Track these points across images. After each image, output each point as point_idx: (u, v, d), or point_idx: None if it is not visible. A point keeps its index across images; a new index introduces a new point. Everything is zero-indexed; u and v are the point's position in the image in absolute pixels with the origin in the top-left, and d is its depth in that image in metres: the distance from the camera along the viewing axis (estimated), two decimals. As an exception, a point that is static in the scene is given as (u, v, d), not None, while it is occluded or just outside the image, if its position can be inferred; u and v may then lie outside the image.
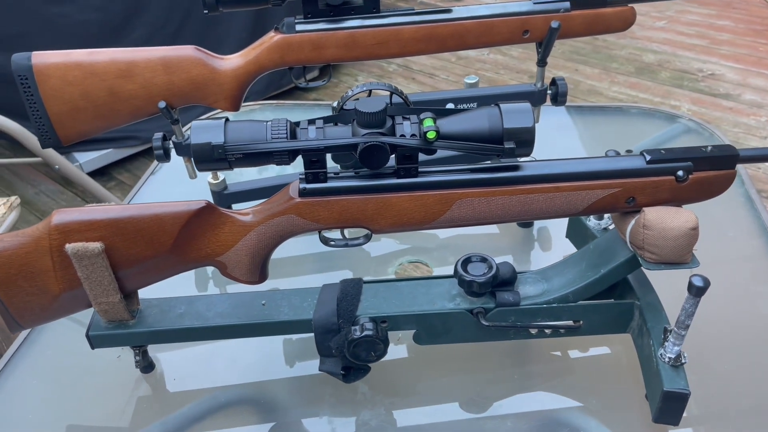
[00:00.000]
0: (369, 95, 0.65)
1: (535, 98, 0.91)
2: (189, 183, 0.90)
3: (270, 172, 1.03)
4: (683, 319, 0.59)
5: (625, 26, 0.85)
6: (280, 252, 0.68)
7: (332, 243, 0.66)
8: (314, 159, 0.59)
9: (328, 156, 0.60)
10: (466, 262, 0.68)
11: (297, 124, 0.60)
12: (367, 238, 0.66)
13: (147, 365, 0.75)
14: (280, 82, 2.64)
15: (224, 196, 0.93)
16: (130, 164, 2.52)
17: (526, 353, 0.76)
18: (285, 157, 0.59)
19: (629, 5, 0.84)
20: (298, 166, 0.61)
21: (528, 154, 0.59)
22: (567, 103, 0.92)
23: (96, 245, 0.61)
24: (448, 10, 0.83)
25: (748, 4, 3.31)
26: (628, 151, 0.68)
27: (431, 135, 0.57)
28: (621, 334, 0.71)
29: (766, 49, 2.89)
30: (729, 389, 0.71)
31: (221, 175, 0.93)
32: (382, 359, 0.67)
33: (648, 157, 0.61)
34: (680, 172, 0.61)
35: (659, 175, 0.61)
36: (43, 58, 0.78)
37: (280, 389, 0.74)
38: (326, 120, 0.60)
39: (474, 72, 2.97)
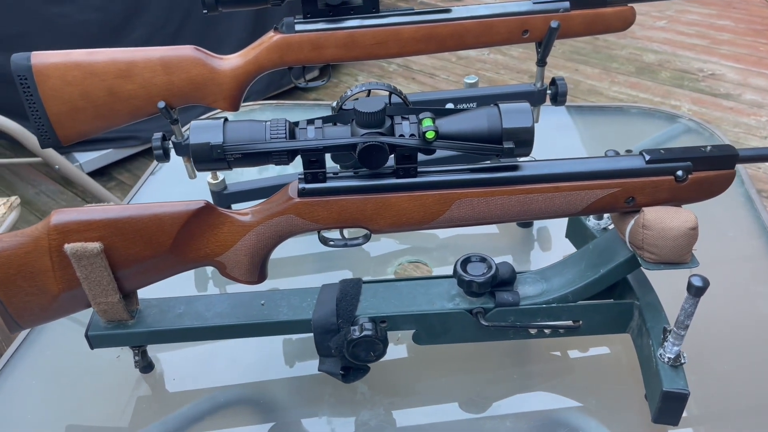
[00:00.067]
0: (368, 95, 0.65)
1: (535, 98, 0.90)
2: (189, 183, 0.90)
3: (270, 172, 1.03)
4: (682, 319, 0.59)
5: (624, 26, 0.85)
6: (280, 252, 0.68)
7: (331, 243, 0.66)
8: (313, 159, 0.59)
9: (328, 156, 0.60)
10: (466, 262, 0.68)
11: (296, 124, 0.60)
12: (366, 238, 0.66)
13: (146, 365, 0.75)
14: (280, 82, 2.64)
15: (223, 196, 0.93)
16: (130, 164, 2.52)
17: (525, 353, 0.76)
18: (284, 157, 0.59)
19: (629, 5, 0.84)
20: (298, 165, 0.61)
21: (527, 154, 0.59)
22: (567, 103, 0.92)
23: (95, 245, 0.61)
24: (448, 10, 0.83)
25: (749, 3, 3.31)
26: (628, 151, 0.68)
27: (430, 135, 0.57)
28: (620, 334, 0.71)
29: (767, 49, 2.89)
30: (729, 389, 0.71)
31: (220, 175, 0.93)
32: (382, 359, 0.67)
33: (647, 157, 0.61)
34: (680, 172, 0.60)
35: (658, 175, 0.61)
36: (42, 58, 0.78)
37: (280, 389, 0.74)
38: (325, 120, 0.60)
39: (474, 72, 2.97)
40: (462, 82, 0.99)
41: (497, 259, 0.68)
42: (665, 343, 0.62)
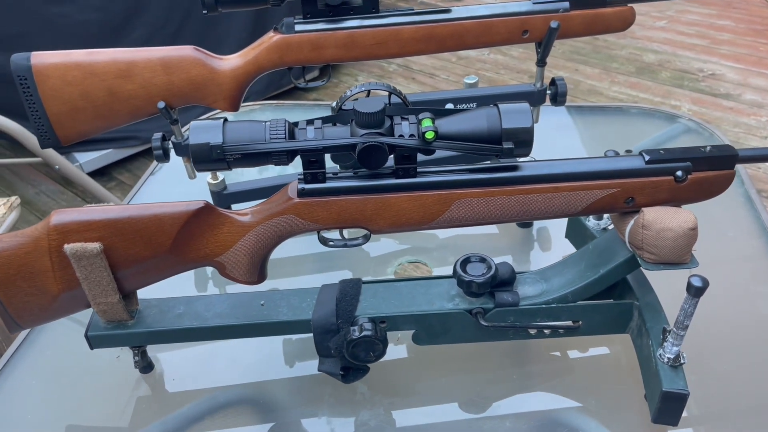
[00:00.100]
0: (368, 95, 0.65)
1: (535, 98, 0.90)
2: (189, 183, 0.91)
3: (270, 172, 1.03)
4: (682, 319, 0.59)
5: (624, 26, 0.85)
6: (280, 252, 0.68)
7: (331, 243, 0.66)
8: (313, 159, 0.59)
9: (328, 156, 0.60)
10: (465, 262, 0.68)
11: (295, 124, 0.60)
12: (366, 238, 0.66)
13: (146, 365, 0.75)
14: (280, 82, 2.64)
15: (223, 197, 0.93)
16: (131, 164, 2.52)
17: (525, 353, 0.76)
18: (283, 157, 0.59)
19: (628, 5, 0.84)
20: (298, 166, 0.61)
21: (526, 155, 0.59)
22: (567, 103, 0.92)
23: (95, 245, 0.61)
24: (448, 10, 0.83)
25: (749, 3, 3.30)
26: (628, 151, 0.68)
27: (429, 135, 0.57)
28: (620, 335, 0.71)
29: (767, 49, 2.89)
30: (729, 389, 0.71)
31: (220, 175, 0.93)
32: (381, 359, 0.67)
33: (647, 158, 0.61)
34: (679, 173, 0.60)
35: (658, 175, 0.61)
36: (42, 58, 0.78)
37: (280, 389, 0.74)
38: (325, 120, 0.60)
39: (474, 72, 2.97)
40: (462, 82, 0.99)
41: (497, 260, 0.68)
42: (665, 344, 0.62)
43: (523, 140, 0.58)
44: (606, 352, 0.75)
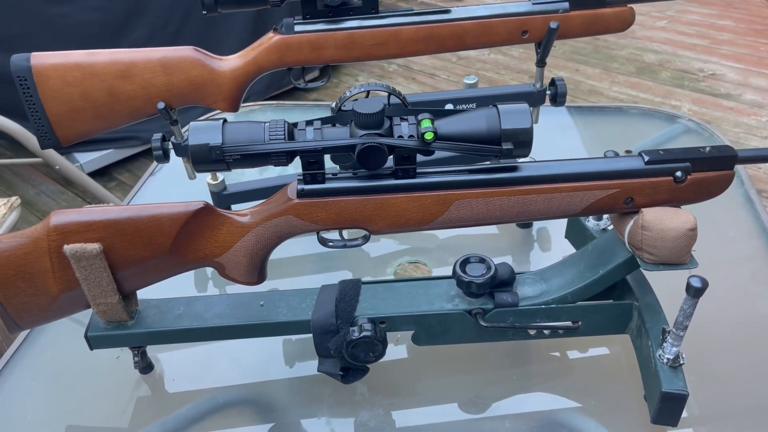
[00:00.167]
0: (367, 96, 0.65)
1: (534, 99, 0.90)
2: (188, 183, 0.91)
3: (271, 173, 1.03)
4: (681, 320, 0.59)
5: (624, 27, 0.85)
6: (279, 252, 0.68)
7: (331, 244, 0.66)
8: (312, 160, 0.59)
9: (327, 157, 0.61)
10: (465, 262, 0.68)
11: (295, 125, 0.60)
12: (366, 239, 0.66)
13: (146, 366, 0.75)
14: (280, 82, 2.64)
15: (223, 197, 0.93)
16: (131, 164, 2.52)
17: (525, 354, 0.76)
18: (283, 158, 0.59)
19: (628, 6, 0.84)
20: (298, 166, 0.61)
21: (526, 155, 0.59)
22: (567, 103, 0.91)
23: (94, 246, 0.61)
24: (447, 11, 0.83)
25: (749, 3, 3.30)
26: (628, 151, 0.68)
27: (429, 136, 0.57)
28: (620, 335, 0.71)
29: (767, 49, 2.89)
30: (728, 390, 0.71)
31: (220, 175, 0.93)
32: (381, 360, 0.67)
33: (646, 158, 0.61)
34: (679, 173, 0.60)
35: (658, 175, 0.61)
36: (42, 59, 0.78)
37: (279, 390, 0.74)
38: (324, 121, 0.60)
39: (474, 72, 2.97)
40: (462, 83, 0.99)
41: (497, 260, 0.68)
42: (664, 344, 0.62)
43: (522, 141, 0.58)
44: (606, 353, 0.75)
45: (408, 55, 0.84)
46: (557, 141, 1.13)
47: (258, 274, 0.66)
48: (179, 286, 0.78)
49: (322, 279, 0.75)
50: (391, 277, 0.90)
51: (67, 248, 0.61)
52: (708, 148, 0.61)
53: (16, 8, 2.10)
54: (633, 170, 0.61)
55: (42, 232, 0.61)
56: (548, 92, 0.89)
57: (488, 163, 0.64)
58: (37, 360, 0.79)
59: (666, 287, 0.67)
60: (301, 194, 0.61)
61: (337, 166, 0.84)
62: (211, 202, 0.81)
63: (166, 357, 0.78)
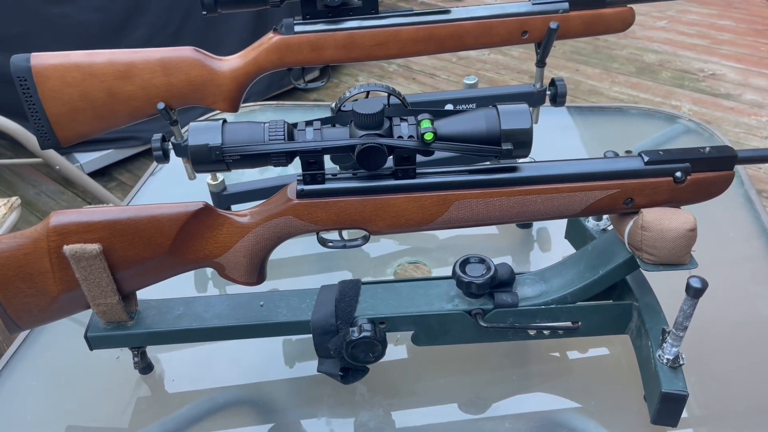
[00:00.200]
0: (367, 96, 0.65)
1: (534, 99, 0.90)
2: (188, 184, 0.91)
3: (271, 173, 1.03)
4: (681, 320, 0.59)
5: (624, 27, 0.85)
6: (279, 253, 0.68)
7: (330, 244, 0.66)
8: (312, 160, 0.59)
9: (327, 157, 0.60)
10: (465, 263, 0.68)
11: (294, 125, 0.60)
12: (365, 239, 0.66)
13: (146, 366, 0.75)
14: (280, 82, 2.64)
15: (223, 197, 0.93)
16: (131, 165, 2.52)
17: (524, 354, 0.76)
18: (282, 158, 0.59)
19: (628, 6, 0.84)
20: (299, 166, 0.61)
21: (526, 156, 0.59)
22: (567, 104, 0.91)
23: (94, 247, 0.61)
24: (447, 11, 0.83)
25: (749, 3, 3.30)
26: (628, 151, 0.68)
27: (428, 136, 0.57)
28: (620, 336, 0.71)
29: (767, 49, 2.89)
30: (728, 390, 0.71)
31: (220, 176, 0.93)
32: (381, 360, 0.67)
33: (646, 159, 0.61)
34: (678, 174, 0.60)
35: (657, 176, 0.61)
36: (41, 59, 0.78)
37: (279, 390, 0.74)
38: (324, 121, 0.60)
39: (475, 72, 2.97)
40: (462, 83, 0.99)
41: (497, 260, 0.68)
42: (664, 345, 0.62)
43: (522, 141, 0.58)
44: (605, 353, 0.75)
45: (408, 55, 0.84)
46: (557, 141, 1.13)
47: (258, 275, 0.66)
48: (179, 286, 0.78)
49: (321, 279, 0.76)
50: (391, 278, 0.90)
51: (67, 249, 0.61)
52: (708, 149, 0.61)
53: (16, 8, 2.11)
54: (633, 171, 0.61)
55: (42, 232, 0.61)
56: (548, 92, 0.89)
57: (488, 163, 0.64)
58: (37, 360, 0.79)
59: (666, 288, 0.67)
60: (300, 194, 0.61)
61: (337, 167, 0.84)
62: (210, 202, 0.81)
63: (165, 357, 0.78)
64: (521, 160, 0.63)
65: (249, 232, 0.63)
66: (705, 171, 0.61)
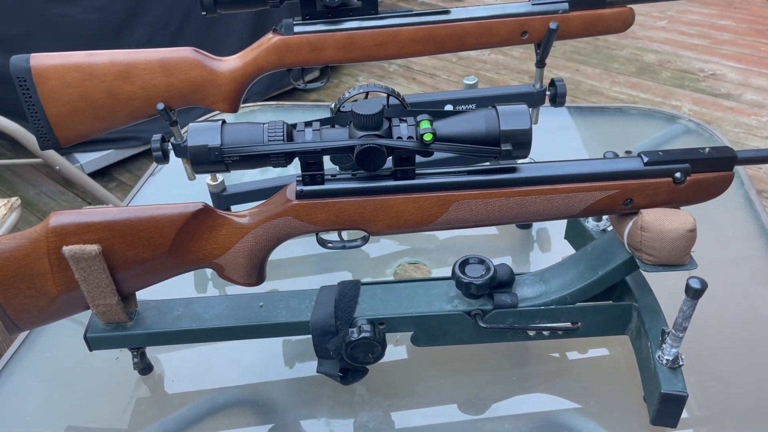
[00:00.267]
0: (366, 97, 0.65)
1: (534, 99, 0.90)
2: (188, 184, 0.91)
3: (271, 174, 1.03)
4: (681, 321, 0.59)
5: (623, 27, 0.85)
6: (279, 253, 0.68)
7: (330, 245, 0.66)
8: (311, 161, 0.59)
9: (327, 157, 0.60)
10: (464, 263, 0.68)
11: (294, 126, 0.60)
12: (365, 240, 0.66)
13: (145, 367, 0.75)
14: (281, 82, 2.64)
15: (223, 198, 0.93)
16: (131, 165, 2.52)
17: (524, 355, 0.76)
18: (281, 159, 0.59)
19: (628, 6, 0.84)
20: (299, 167, 0.61)
21: (525, 156, 0.59)
22: (567, 104, 0.91)
23: (93, 247, 0.61)
24: (447, 12, 0.83)
25: (750, 3, 3.30)
26: (627, 152, 0.68)
27: (428, 137, 0.57)
28: (619, 336, 0.71)
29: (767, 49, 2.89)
30: (728, 390, 0.71)
31: (220, 176, 0.93)
32: (380, 361, 0.67)
33: (645, 159, 0.61)
34: (678, 174, 0.60)
35: (657, 176, 0.61)
36: (41, 60, 0.78)
37: (278, 391, 0.74)
38: (323, 122, 0.60)
39: (475, 72, 2.97)
40: (462, 83, 0.99)
41: (497, 261, 0.68)
42: (663, 345, 0.62)
43: (521, 142, 0.58)
44: (605, 354, 0.75)
45: (407, 55, 0.84)
46: (557, 141, 1.13)
47: (257, 276, 0.66)
48: (178, 287, 0.78)
49: (321, 280, 0.76)
50: (391, 278, 0.90)
51: (66, 249, 0.61)
52: (707, 149, 0.61)
53: (16, 8, 2.11)
54: (632, 171, 0.61)
55: (41, 233, 0.61)
56: (548, 93, 0.89)
57: (487, 164, 0.64)
58: (37, 360, 0.79)
59: (665, 288, 0.67)
60: (300, 195, 0.61)
61: (337, 167, 0.84)
62: (210, 203, 0.81)
63: (165, 358, 0.78)
64: (521, 161, 0.63)
65: (248, 232, 0.63)
66: (704, 172, 0.61)
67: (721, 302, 0.75)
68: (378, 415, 0.70)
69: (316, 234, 0.65)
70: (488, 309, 0.67)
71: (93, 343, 0.68)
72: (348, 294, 0.69)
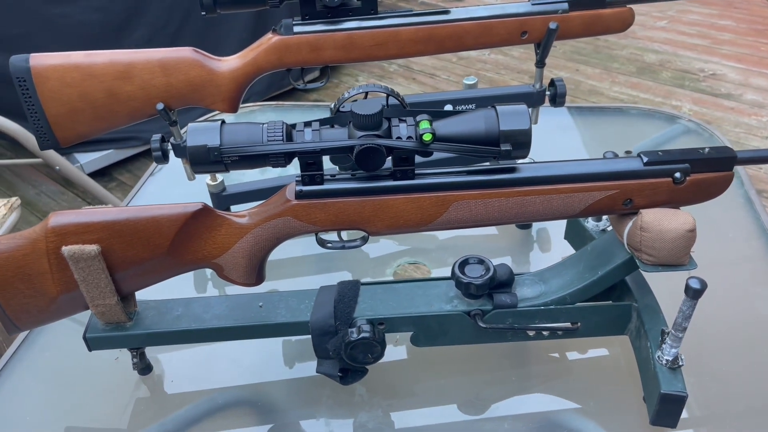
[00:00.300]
0: (365, 97, 0.65)
1: (534, 99, 0.90)
2: (188, 184, 0.91)
3: (271, 174, 1.03)
4: (680, 321, 0.59)
5: (623, 27, 0.85)
6: (279, 253, 0.68)
7: (329, 245, 0.66)
8: (310, 161, 0.59)
9: (327, 158, 0.60)
10: (464, 264, 0.67)
11: (293, 126, 0.60)
12: (364, 240, 0.66)
13: (144, 367, 0.75)
14: (280, 83, 2.64)
15: (222, 198, 0.93)
16: (131, 165, 2.52)
17: (524, 355, 0.76)
18: (281, 159, 0.59)
19: (628, 6, 0.84)
20: (299, 167, 0.61)
21: (524, 156, 0.59)
22: (567, 104, 0.91)
23: (92, 248, 0.61)
24: (447, 12, 0.83)
25: (750, 3, 3.30)
26: (627, 152, 0.68)
27: (427, 137, 0.57)
28: (619, 336, 0.71)
29: (768, 49, 2.89)
30: (728, 391, 0.71)
31: (219, 176, 0.93)
32: (380, 361, 0.67)
33: (645, 159, 0.61)
34: (677, 174, 0.60)
35: (656, 177, 0.61)
36: (41, 60, 0.78)
37: (278, 391, 0.74)
38: (323, 122, 0.60)
39: (475, 72, 2.97)
40: (462, 83, 0.99)
41: (496, 261, 0.68)
42: (663, 346, 0.62)
43: (520, 142, 0.58)
44: (605, 354, 0.75)
45: (407, 55, 0.84)
46: (557, 141, 1.13)
47: (256, 276, 0.66)
48: (178, 287, 0.77)
49: (320, 280, 0.75)
50: (390, 278, 0.90)
51: (66, 249, 0.61)
52: (707, 149, 0.61)
53: (16, 8, 2.11)
54: (632, 171, 0.61)
55: (40, 233, 0.61)
56: (548, 93, 0.89)
57: (487, 164, 0.64)
58: (37, 360, 0.79)
59: (665, 288, 0.67)
60: (299, 195, 0.61)
61: (337, 167, 0.84)
62: (210, 203, 0.81)
63: (165, 358, 0.78)
64: (520, 161, 0.63)
65: (248, 232, 0.63)
66: (704, 172, 0.61)
67: (721, 302, 0.75)
68: (377, 415, 0.70)
69: (316, 234, 0.65)
70: (488, 309, 0.67)
71: (92, 343, 0.68)
72: (347, 294, 0.69)
